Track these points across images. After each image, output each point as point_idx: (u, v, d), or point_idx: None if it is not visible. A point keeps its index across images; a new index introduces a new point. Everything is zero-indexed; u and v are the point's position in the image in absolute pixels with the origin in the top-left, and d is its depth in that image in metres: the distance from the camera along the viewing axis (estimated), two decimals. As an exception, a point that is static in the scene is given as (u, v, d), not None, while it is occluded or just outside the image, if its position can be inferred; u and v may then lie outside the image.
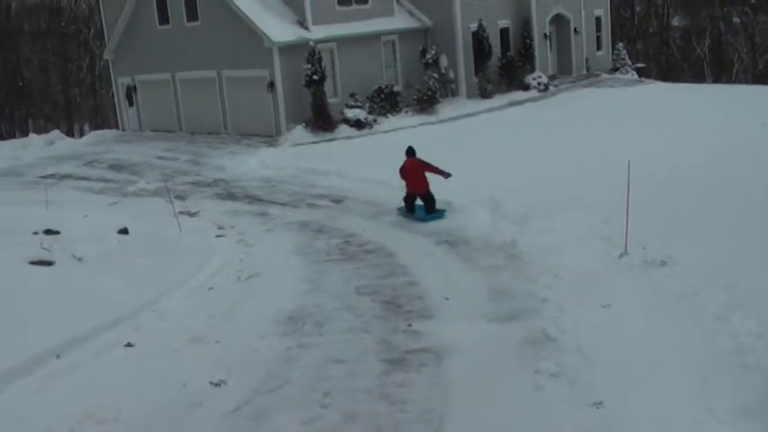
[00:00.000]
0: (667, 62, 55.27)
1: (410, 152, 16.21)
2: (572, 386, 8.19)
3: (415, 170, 15.86)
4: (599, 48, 39.40)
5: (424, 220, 15.70)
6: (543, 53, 35.00)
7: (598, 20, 39.21)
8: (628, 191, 12.02)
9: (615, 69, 38.21)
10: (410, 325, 10.24)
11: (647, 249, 11.89)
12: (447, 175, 15.81)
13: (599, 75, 37.32)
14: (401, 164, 16.20)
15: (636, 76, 37.90)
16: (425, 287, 11.77)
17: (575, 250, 12.45)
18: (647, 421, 7.43)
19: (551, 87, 33.37)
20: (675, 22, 58.62)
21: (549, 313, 10.21)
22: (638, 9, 57.45)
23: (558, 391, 8.13)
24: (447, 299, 11.17)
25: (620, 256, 11.97)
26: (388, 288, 11.82)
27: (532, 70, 33.56)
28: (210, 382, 8.75)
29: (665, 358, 8.62)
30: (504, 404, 7.99)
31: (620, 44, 39.95)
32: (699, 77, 50.92)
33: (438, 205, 15.89)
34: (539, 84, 32.93)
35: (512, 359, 9.05)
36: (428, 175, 15.83)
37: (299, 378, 8.84)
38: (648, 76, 40.72)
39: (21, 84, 50.36)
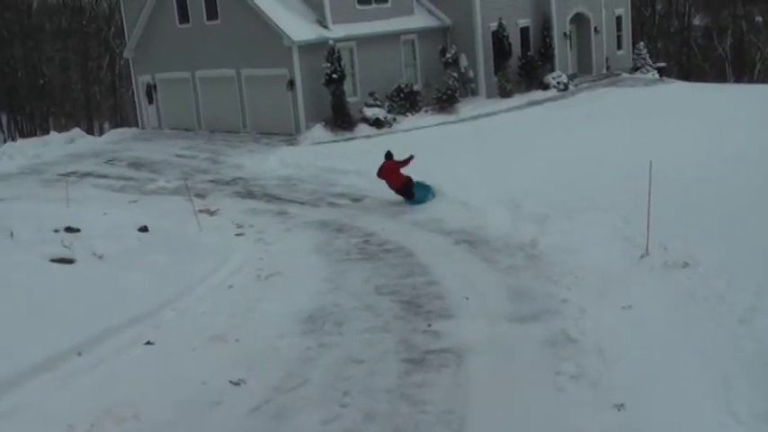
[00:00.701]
0: (688, 61, 54.85)
1: (388, 156, 17.64)
2: (593, 388, 8.14)
3: (391, 170, 17.41)
4: (619, 47, 39.15)
5: (412, 204, 17.12)
6: (563, 52, 34.84)
7: (619, 19, 38.97)
8: (649, 191, 11.94)
9: (636, 69, 37.94)
10: (430, 325, 10.20)
11: (669, 250, 11.80)
12: (411, 157, 17.39)
13: (619, 74, 37.09)
14: (379, 164, 17.53)
15: (656, 76, 37.61)
16: (445, 287, 11.74)
17: (595, 251, 12.38)
18: (670, 424, 7.36)
19: (571, 87, 33.20)
20: (697, 21, 58.14)
21: (570, 314, 10.17)
22: (658, 8, 57.02)
23: (580, 392, 8.09)
24: (467, 299, 11.13)
25: (642, 256, 11.89)
26: (407, 288, 11.80)
27: (552, 70, 33.43)
28: (230, 381, 8.75)
29: (687, 360, 8.54)
30: (524, 405, 7.95)
31: (641, 43, 39.67)
32: (720, 77, 50.48)
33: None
34: (558, 83, 32.78)
35: (532, 360, 9.01)
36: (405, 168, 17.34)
37: (318, 377, 8.83)
38: (669, 76, 40.44)
39: (42, 82, 50.74)
